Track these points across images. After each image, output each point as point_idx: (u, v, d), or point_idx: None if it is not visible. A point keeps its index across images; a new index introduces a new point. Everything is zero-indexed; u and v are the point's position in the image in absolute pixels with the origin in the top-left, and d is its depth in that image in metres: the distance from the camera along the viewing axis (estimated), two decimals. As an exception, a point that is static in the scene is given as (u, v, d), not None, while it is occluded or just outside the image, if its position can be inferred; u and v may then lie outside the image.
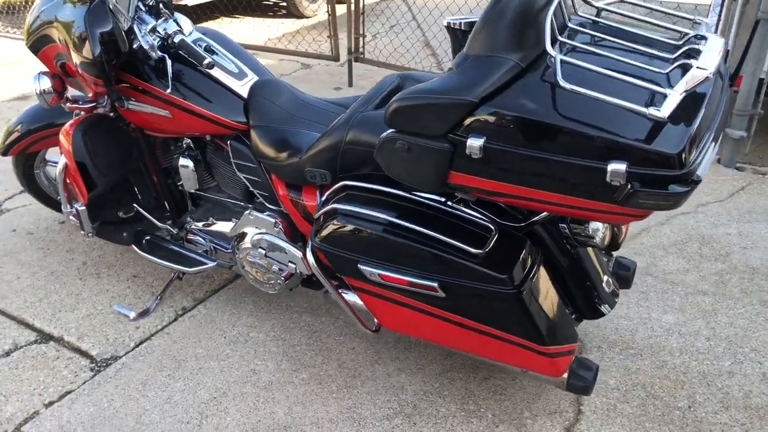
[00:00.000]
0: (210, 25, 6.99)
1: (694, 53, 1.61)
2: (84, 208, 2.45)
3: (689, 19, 1.81)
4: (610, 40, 1.69)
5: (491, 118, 1.59)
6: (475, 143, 1.59)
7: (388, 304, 1.96)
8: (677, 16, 1.83)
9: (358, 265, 1.89)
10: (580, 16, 1.80)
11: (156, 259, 2.53)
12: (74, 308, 2.63)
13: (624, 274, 2.25)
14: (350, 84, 5.19)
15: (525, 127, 1.57)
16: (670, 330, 2.47)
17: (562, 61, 1.55)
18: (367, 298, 2.00)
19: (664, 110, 1.42)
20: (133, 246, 2.58)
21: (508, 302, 1.75)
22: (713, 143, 1.60)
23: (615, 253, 2.29)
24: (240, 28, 6.72)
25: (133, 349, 2.42)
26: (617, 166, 1.48)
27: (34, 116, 2.78)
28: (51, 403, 2.19)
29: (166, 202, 2.66)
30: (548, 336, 1.79)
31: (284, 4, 7.50)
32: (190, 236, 2.58)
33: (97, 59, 2.11)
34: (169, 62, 2.21)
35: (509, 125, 1.58)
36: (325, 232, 1.93)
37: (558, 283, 1.99)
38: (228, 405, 2.18)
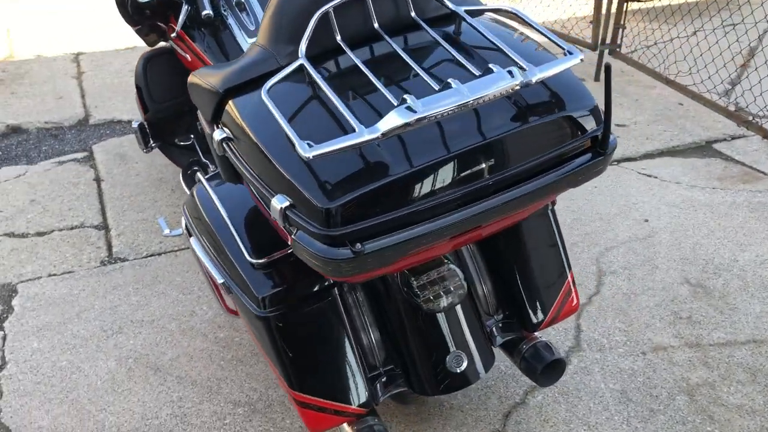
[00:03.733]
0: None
1: None
2: (136, 126, 2.77)
3: (561, 48, 1.29)
4: (415, 54, 1.30)
5: (228, 114, 1.39)
6: (216, 136, 1.42)
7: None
8: (551, 40, 1.30)
9: (190, 239, 1.84)
10: (424, 24, 1.39)
11: (185, 187, 2.75)
12: (141, 210, 3.02)
13: (532, 366, 1.73)
14: (596, 78, 4.62)
15: (242, 132, 1.34)
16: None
17: (302, 68, 1.28)
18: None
19: (317, 149, 1.09)
20: (180, 172, 2.85)
21: (258, 324, 1.55)
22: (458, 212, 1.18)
23: (539, 335, 1.78)
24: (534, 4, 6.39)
25: (140, 258, 2.71)
26: (276, 203, 1.20)
27: None
28: (52, 275, 2.61)
29: None
30: (299, 381, 1.53)
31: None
32: (223, 177, 2.73)
33: (118, 1, 2.35)
34: (184, 8, 2.34)
35: (235, 125, 1.37)
36: (186, 199, 1.91)
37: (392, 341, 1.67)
38: (142, 331, 2.33)
